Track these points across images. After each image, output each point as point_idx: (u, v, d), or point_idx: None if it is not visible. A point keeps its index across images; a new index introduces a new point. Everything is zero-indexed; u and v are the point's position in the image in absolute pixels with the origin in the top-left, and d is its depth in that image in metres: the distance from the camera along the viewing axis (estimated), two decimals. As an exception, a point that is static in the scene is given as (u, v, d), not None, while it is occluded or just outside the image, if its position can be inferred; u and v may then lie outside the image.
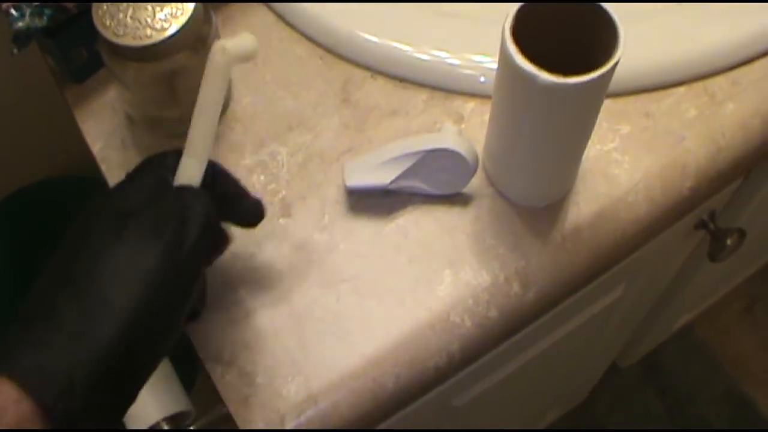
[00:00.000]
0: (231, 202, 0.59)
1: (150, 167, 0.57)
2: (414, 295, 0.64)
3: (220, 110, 0.57)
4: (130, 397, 0.52)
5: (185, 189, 0.55)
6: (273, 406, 0.61)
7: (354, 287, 0.64)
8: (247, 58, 0.56)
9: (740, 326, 1.88)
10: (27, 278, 1.63)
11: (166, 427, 0.86)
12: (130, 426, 0.90)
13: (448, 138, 0.64)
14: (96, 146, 0.71)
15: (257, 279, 0.64)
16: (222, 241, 0.59)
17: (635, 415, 1.79)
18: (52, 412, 0.46)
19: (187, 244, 0.52)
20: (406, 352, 0.62)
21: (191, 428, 0.86)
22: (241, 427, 0.61)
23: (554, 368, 1.14)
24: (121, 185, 0.56)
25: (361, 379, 0.62)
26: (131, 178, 0.56)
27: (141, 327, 0.49)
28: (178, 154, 0.56)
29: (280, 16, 0.75)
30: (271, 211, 0.67)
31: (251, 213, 0.60)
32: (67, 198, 1.55)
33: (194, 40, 0.64)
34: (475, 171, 0.64)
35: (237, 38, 0.55)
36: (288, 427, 0.60)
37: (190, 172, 0.56)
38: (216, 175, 0.58)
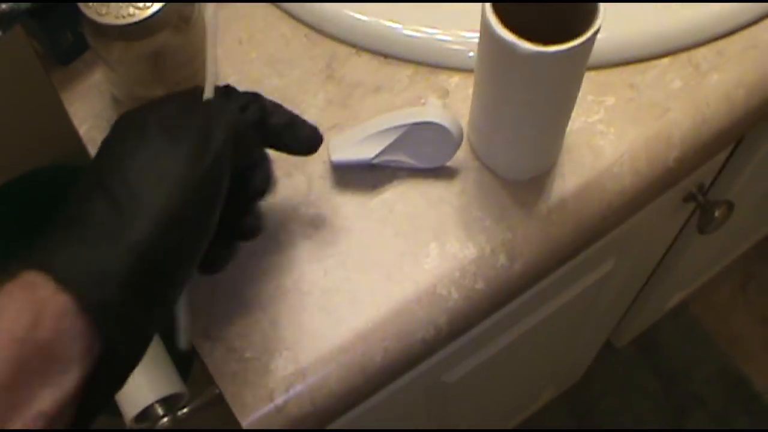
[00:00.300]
0: (285, 131, 0.60)
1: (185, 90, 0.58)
2: (401, 269, 0.64)
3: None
4: (165, 303, 0.52)
5: (212, 100, 0.56)
6: (261, 381, 0.61)
7: (341, 261, 0.64)
8: None
9: (735, 304, 1.88)
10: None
11: (159, 410, 0.86)
12: (123, 407, 0.90)
13: (431, 111, 0.64)
14: (83, 128, 0.71)
15: (242, 255, 0.65)
16: (258, 158, 0.59)
17: (631, 394, 1.80)
18: (89, 303, 0.46)
19: (213, 147, 0.52)
20: (393, 325, 0.63)
21: (185, 410, 0.87)
22: (230, 401, 0.61)
23: (546, 345, 1.14)
24: (154, 100, 0.57)
25: (349, 353, 0.62)
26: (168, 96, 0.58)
27: (172, 224, 0.49)
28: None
29: (265, -5, 0.75)
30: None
31: (307, 139, 0.61)
32: (58, 188, 1.55)
33: (177, 18, 0.64)
34: (459, 143, 0.65)
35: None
36: (277, 401, 0.61)
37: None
38: (264, 109, 0.58)
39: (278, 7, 0.75)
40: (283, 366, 0.61)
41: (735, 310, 1.88)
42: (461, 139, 0.65)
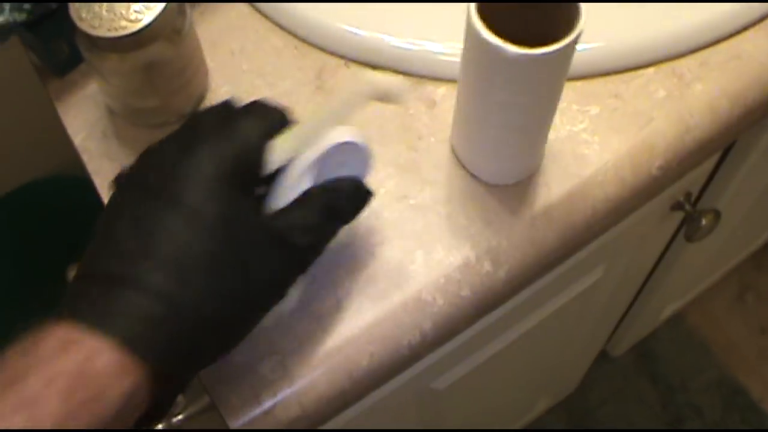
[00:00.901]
0: (335, 203, 0.58)
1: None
2: (386, 275, 0.65)
3: (331, 124, 0.58)
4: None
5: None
6: (249, 385, 0.62)
7: (328, 268, 0.65)
8: (390, 98, 0.56)
9: (731, 314, 1.89)
10: (23, 282, 1.64)
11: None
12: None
13: (342, 132, 0.60)
14: (78, 137, 0.72)
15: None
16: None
17: (628, 403, 1.81)
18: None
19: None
20: (379, 330, 0.64)
21: (180, 417, 0.88)
22: (219, 405, 0.62)
23: (539, 354, 1.15)
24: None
25: (335, 357, 0.63)
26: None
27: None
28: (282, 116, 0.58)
29: (256, 8, 0.77)
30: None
31: (353, 199, 0.59)
32: (55, 199, 1.56)
33: (169, 31, 0.66)
34: (370, 157, 0.62)
35: (389, 78, 0.56)
36: (265, 405, 0.62)
37: (282, 144, 0.56)
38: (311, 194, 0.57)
39: (269, 20, 0.76)
40: (270, 370, 0.63)
41: (732, 319, 1.89)
42: (371, 155, 0.62)
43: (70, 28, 0.65)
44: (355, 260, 0.66)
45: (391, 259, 0.66)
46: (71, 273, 0.84)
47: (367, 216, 0.67)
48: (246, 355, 0.63)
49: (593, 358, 1.61)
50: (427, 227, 0.67)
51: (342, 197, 0.58)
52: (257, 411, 0.62)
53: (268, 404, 0.62)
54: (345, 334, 0.63)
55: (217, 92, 0.73)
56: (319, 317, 0.64)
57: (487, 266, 0.66)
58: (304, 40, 0.75)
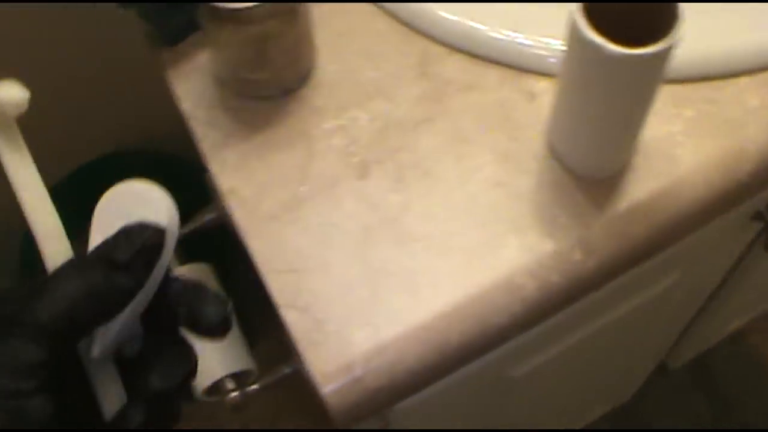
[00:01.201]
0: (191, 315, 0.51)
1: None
2: (481, 257, 0.67)
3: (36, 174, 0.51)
4: None
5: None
6: (343, 353, 0.65)
7: (425, 246, 0.68)
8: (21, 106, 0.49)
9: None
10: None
11: (229, 384, 0.90)
12: (197, 381, 0.94)
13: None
14: (185, 105, 0.75)
15: (334, 234, 0.68)
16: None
17: (681, 418, 1.81)
18: None
19: None
20: (471, 309, 0.66)
21: (255, 386, 0.90)
22: (312, 370, 0.64)
23: (604, 355, 1.17)
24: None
25: (427, 332, 0.65)
26: None
27: None
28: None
29: (363, -8, 0.79)
30: (348, 171, 0.71)
31: (213, 321, 0.51)
32: (131, 174, 1.59)
33: (287, 8, 0.68)
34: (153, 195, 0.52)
35: (5, 86, 0.49)
36: (356, 373, 0.64)
37: (59, 258, 0.49)
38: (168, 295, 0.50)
39: (375, 5, 0.78)
40: (364, 340, 0.65)
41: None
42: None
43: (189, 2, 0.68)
44: (451, 240, 0.68)
45: (486, 241, 0.68)
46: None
47: (465, 198, 0.69)
48: (342, 323, 0.65)
49: (652, 368, 1.61)
50: (521, 214, 0.69)
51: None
52: (348, 378, 0.64)
53: (358, 372, 0.64)
54: (438, 311, 0.66)
55: (325, 69, 0.75)
56: (414, 292, 0.66)
57: (577, 255, 0.67)
58: (408, 26, 0.77)
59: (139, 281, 0.48)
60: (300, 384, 0.71)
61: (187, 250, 1.00)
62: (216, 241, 1.10)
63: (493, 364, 0.79)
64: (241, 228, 0.70)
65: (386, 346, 0.65)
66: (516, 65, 0.75)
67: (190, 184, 1.63)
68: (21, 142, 0.51)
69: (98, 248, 0.48)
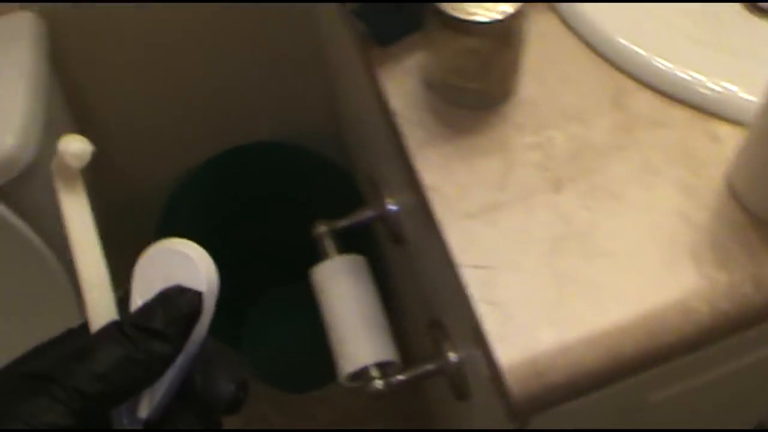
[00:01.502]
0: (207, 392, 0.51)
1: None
2: (660, 278, 0.73)
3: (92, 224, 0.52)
4: None
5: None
6: (528, 348, 0.71)
7: (610, 262, 0.74)
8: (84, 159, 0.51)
9: None
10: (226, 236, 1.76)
11: (374, 372, 0.95)
12: (341, 363, 1.00)
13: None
14: (394, 103, 0.82)
15: (527, 239, 0.75)
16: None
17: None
18: None
19: None
20: (646, 325, 0.72)
21: (401, 377, 0.96)
22: (499, 361, 0.70)
23: (746, 395, 1.19)
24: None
25: (607, 339, 0.71)
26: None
27: None
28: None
29: (564, 21, 0.86)
30: (544, 185, 0.77)
31: (223, 399, 0.51)
32: (274, 164, 1.67)
33: (513, 29, 0.75)
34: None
35: (70, 139, 0.51)
36: (538, 368, 0.70)
37: (103, 309, 0.51)
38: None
39: (576, 36, 0.85)
40: (548, 339, 0.71)
41: None
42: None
43: (404, 5, 0.75)
44: (635, 259, 0.74)
45: (664, 265, 0.74)
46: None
47: (650, 224, 0.75)
48: (529, 322, 0.71)
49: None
50: (700, 244, 0.75)
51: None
52: (532, 372, 0.70)
53: (542, 368, 0.70)
54: (616, 322, 0.72)
55: (526, 90, 0.82)
56: (596, 302, 0.72)
57: (748, 288, 0.73)
58: (604, 58, 0.84)
59: (177, 348, 0.49)
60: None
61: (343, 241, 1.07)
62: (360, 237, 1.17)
63: (637, 384, 0.85)
64: (440, 221, 0.76)
65: (569, 348, 0.71)
66: (704, 108, 0.81)
67: (327, 177, 1.70)
68: (82, 191, 0.52)
69: (136, 315, 0.50)
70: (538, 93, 0.82)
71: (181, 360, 0.49)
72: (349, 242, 1.07)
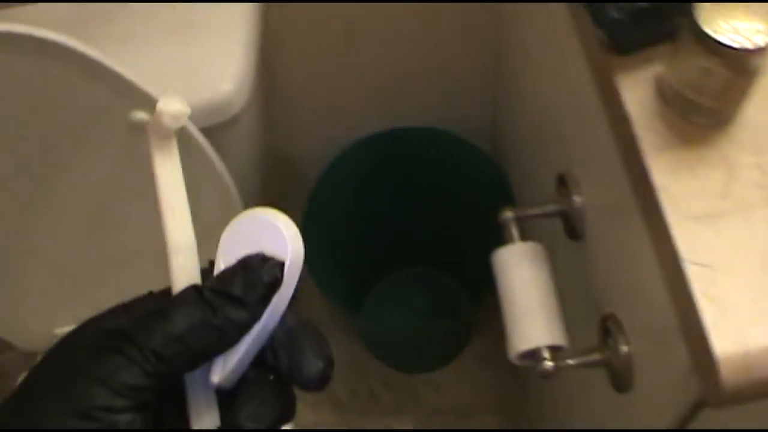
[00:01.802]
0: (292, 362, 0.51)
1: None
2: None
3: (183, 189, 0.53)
4: None
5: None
6: (741, 343, 0.77)
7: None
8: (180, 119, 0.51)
9: None
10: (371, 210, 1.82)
11: (545, 354, 1.02)
12: (514, 340, 1.07)
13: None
14: (629, 107, 0.89)
15: (746, 246, 0.82)
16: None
17: None
18: None
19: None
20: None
21: (570, 361, 1.02)
22: (715, 352, 0.77)
23: None
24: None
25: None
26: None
27: None
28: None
29: None
30: (761, 201, 0.84)
31: (312, 377, 0.51)
32: (425, 145, 1.74)
33: (752, 60, 0.82)
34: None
35: (169, 100, 0.51)
36: (749, 363, 0.77)
37: (187, 274, 0.52)
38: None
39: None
40: (762, 338, 0.77)
41: None
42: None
43: (652, 18, 0.82)
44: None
45: None
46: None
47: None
48: (744, 320, 0.78)
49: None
50: None
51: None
52: (742, 366, 0.76)
53: (752, 363, 0.76)
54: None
55: (748, 114, 0.89)
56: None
57: None
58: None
59: (254, 316, 0.49)
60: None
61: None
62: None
63: None
64: (667, 220, 0.83)
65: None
66: None
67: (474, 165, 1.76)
68: (175, 153, 0.52)
69: (216, 279, 0.50)
70: (761, 118, 0.89)
71: (258, 329, 0.49)
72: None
